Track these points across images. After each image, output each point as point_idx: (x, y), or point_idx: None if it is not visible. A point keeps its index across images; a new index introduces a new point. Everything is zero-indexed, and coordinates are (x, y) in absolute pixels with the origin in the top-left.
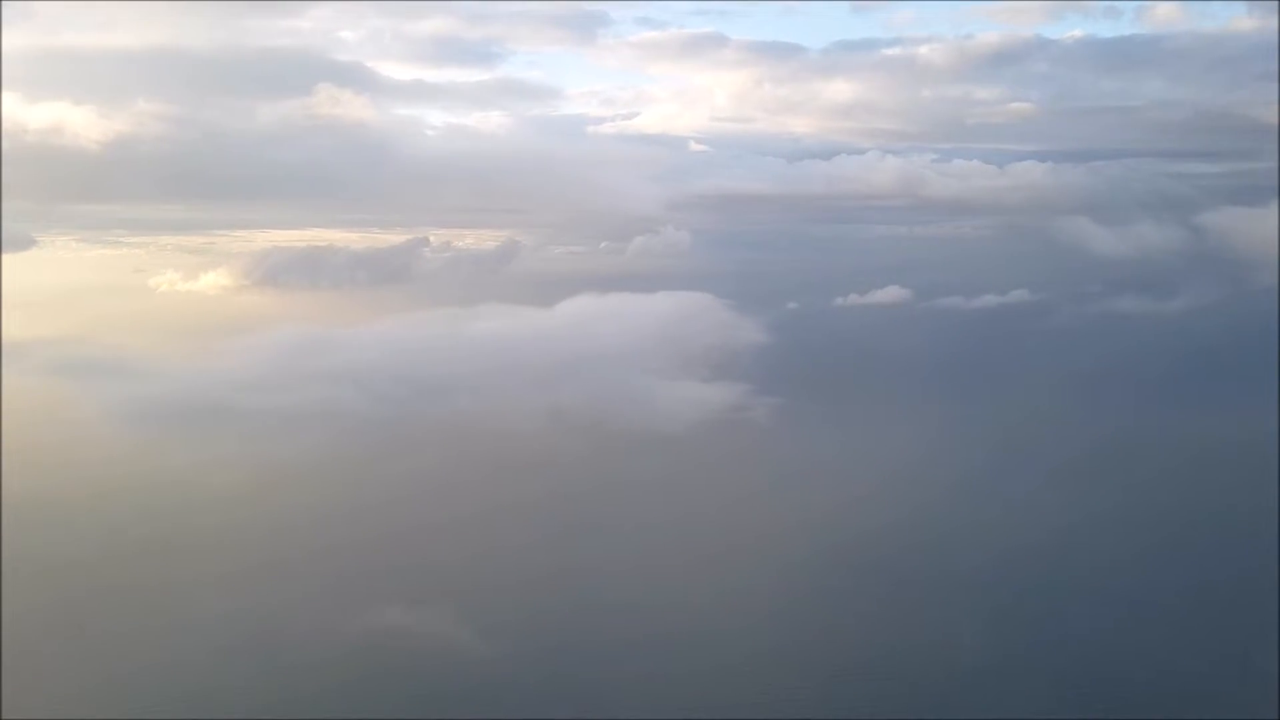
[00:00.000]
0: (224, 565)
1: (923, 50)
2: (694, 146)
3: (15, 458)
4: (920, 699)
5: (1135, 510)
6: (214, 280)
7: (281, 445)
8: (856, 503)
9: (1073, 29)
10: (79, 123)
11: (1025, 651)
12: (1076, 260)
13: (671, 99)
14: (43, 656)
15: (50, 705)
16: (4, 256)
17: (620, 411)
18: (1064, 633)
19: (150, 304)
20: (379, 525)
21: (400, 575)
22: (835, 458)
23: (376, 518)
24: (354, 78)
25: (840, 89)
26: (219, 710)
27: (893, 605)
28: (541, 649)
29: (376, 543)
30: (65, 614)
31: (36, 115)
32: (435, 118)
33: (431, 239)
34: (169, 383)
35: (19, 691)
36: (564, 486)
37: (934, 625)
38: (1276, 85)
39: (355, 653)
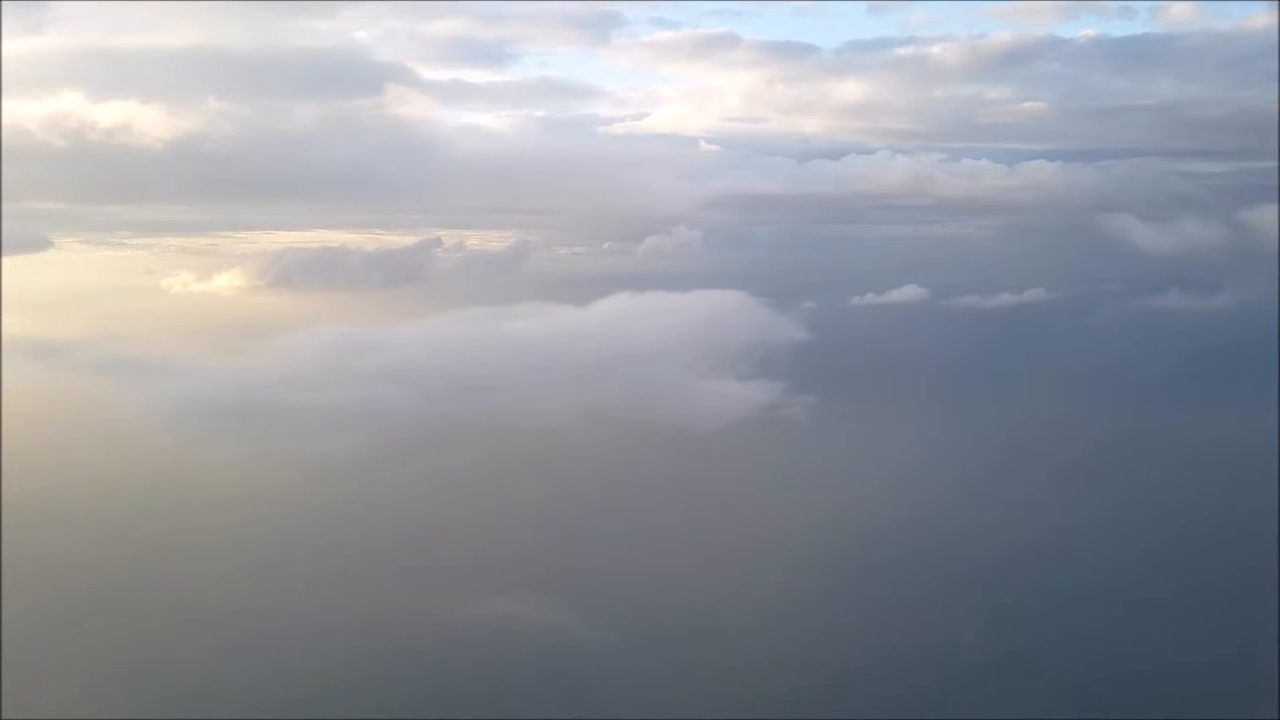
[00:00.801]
0: (268, 557)
1: (935, 50)
2: (704, 146)
3: (57, 456)
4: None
5: (1152, 509)
6: (227, 281)
7: (326, 442)
8: (894, 501)
9: (1086, 28)
10: (85, 123)
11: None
12: (1088, 259)
13: (683, 99)
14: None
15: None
16: (23, 258)
17: (658, 409)
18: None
19: (167, 305)
20: (427, 518)
21: (443, 569)
22: (872, 456)
23: (422, 511)
24: (385, 79)
25: (852, 89)
26: (235, 710)
27: (937, 605)
28: (550, 646)
29: (430, 534)
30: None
31: (42, 113)
32: (449, 118)
33: (443, 239)
34: (209, 382)
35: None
36: (602, 482)
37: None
38: (1277, 84)
39: (364, 649)
